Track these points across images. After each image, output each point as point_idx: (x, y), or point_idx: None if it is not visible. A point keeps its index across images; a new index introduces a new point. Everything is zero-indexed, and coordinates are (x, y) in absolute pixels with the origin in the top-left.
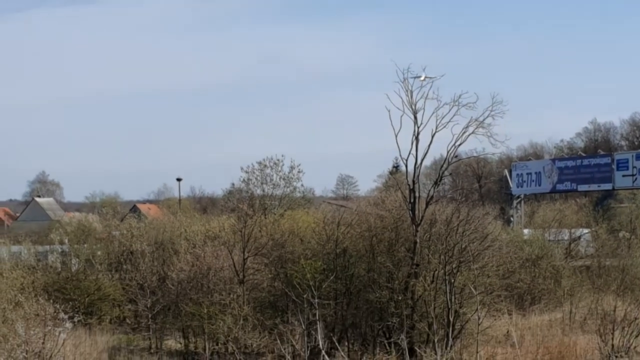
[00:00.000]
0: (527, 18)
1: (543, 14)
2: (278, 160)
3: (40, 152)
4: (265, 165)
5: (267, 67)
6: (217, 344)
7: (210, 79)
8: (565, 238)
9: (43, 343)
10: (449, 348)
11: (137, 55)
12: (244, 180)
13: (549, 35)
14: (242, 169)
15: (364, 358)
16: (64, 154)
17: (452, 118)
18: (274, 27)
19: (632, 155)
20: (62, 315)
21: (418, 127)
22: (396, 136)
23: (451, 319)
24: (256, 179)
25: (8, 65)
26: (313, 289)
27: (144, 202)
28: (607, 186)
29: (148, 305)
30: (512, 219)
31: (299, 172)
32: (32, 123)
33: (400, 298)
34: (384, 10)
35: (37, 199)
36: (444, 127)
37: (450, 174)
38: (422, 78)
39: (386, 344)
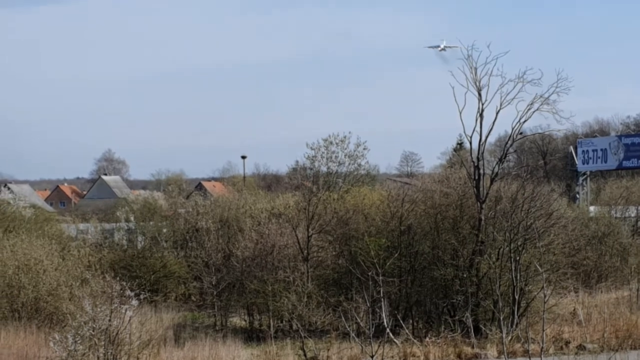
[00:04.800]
0: None
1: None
2: (344, 137)
3: (106, 130)
4: (331, 142)
5: (332, 45)
6: (281, 322)
7: (275, 56)
8: (632, 215)
9: (110, 320)
10: (514, 326)
11: (202, 33)
12: (309, 157)
13: (615, 8)
14: (307, 145)
15: (429, 335)
16: (129, 132)
17: (516, 95)
18: (340, 6)
19: None
20: (128, 292)
21: (482, 104)
22: (460, 113)
23: (517, 297)
24: (321, 156)
25: (75, 44)
26: (377, 266)
27: (209, 179)
28: None
29: (213, 283)
30: (577, 196)
31: (364, 149)
32: (99, 101)
33: (465, 275)
34: None
35: (104, 177)
36: (509, 104)
37: (515, 150)
38: (441, 47)
39: (451, 322)
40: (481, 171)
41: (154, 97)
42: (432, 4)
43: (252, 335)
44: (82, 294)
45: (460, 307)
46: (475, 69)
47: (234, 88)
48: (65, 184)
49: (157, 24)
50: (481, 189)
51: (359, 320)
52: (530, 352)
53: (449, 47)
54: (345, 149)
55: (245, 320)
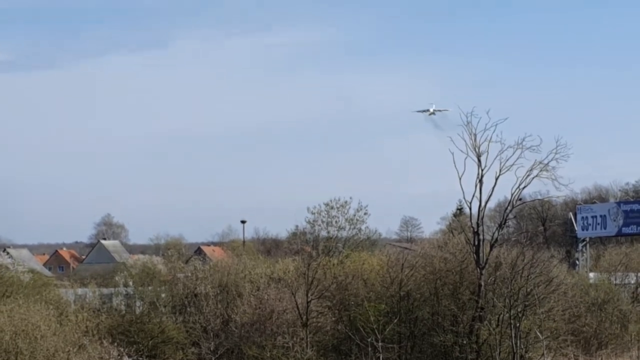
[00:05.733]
0: (588, 63)
1: (603, 60)
2: (345, 202)
3: (105, 194)
4: (332, 207)
5: (332, 109)
6: None
7: (274, 121)
8: (632, 282)
9: None
10: None
11: (202, 98)
12: (309, 221)
13: (612, 75)
14: (308, 209)
15: None
16: (129, 196)
17: (516, 161)
18: (340, 70)
19: None
20: (125, 358)
21: (482, 170)
22: (460, 179)
23: None
24: (322, 220)
25: (73, 109)
26: (377, 332)
27: (209, 244)
28: None
29: (211, 349)
30: (577, 262)
31: (365, 214)
32: (98, 165)
33: (465, 342)
34: (446, 55)
35: (103, 242)
36: (508, 170)
37: (515, 216)
38: (431, 111)
39: None
40: (481, 237)
41: (152, 161)
42: (432, 70)
43: None
44: None
45: None
46: (475, 135)
47: (234, 152)
48: (64, 249)
49: (154, 89)
50: (481, 254)
51: None
52: None
53: (438, 110)
54: (346, 213)
55: None
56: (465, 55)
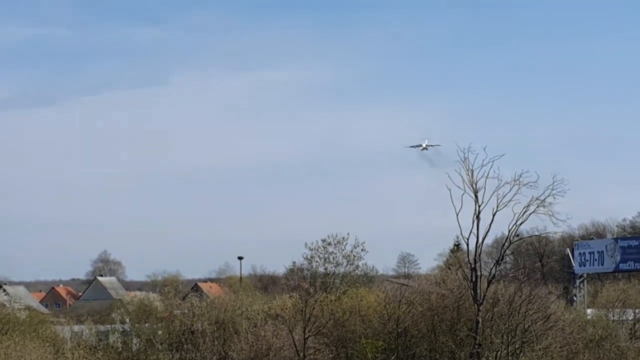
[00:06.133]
0: (584, 99)
1: (600, 95)
2: (343, 238)
3: (102, 231)
4: (329, 243)
5: (328, 147)
6: None
7: (271, 157)
8: (630, 318)
9: None
10: None
11: (199, 135)
12: (307, 257)
13: (608, 114)
14: (306, 245)
15: None
16: (126, 233)
17: (513, 197)
18: (336, 107)
19: None
20: None
21: (479, 206)
22: (457, 215)
23: None
24: (319, 256)
25: (75, 147)
26: None
27: (206, 280)
28: None
29: None
30: (575, 298)
31: (362, 250)
32: (95, 202)
33: None
34: (443, 92)
35: (100, 278)
36: (505, 206)
37: (512, 252)
38: (423, 146)
39: None
40: (478, 273)
41: (149, 197)
42: (429, 107)
43: None
44: None
45: None
46: (472, 171)
47: (230, 188)
48: (61, 285)
49: (152, 125)
50: (478, 290)
51: None
52: None
53: (431, 145)
54: (343, 249)
55: None
56: (463, 92)
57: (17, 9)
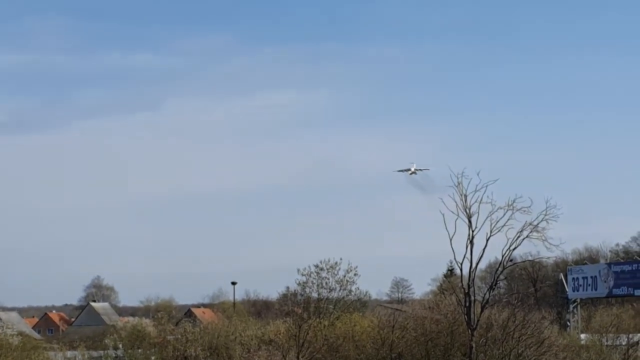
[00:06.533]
0: (577, 124)
1: (592, 121)
2: (336, 263)
3: (95, 256)
4: (322, 268)
5: (320, 171)
6: None
7: (263, 183)
8: (623, 343)
9: None
10: None
11: (191, 161)
12: (300, 283)
13: (600, 142)
14: (299, 271)
15: None
16: (119, 259)
17: (506, 222)
18: (331, 132)
19: None
20: None
21: (472, 231)
22: (451, 240)
23: None
24: (312, 282)
25: (68, 173)
26: None
27: (199, 305)
28: None
29: None
30: (568, 323)
31: (355, 274)
32: (88, 228)
33: None
34: (437, 117)
35: (93, 304)
36: (499, 231)
37: (506, 277)
38: (412, 170)
39: None
40: (472, 298)
41: (142, 223)
42: (424, 131)
43: None
44: None
45: None
46: (465, 196)
47: (223, 213)
48: (54, 311)
49: (143, 152)
50: (472, 315)
51: None
52: None
53: (419, 170)
54: (336, 274)
55: None
56: (456, 118)
57: (10, 35)
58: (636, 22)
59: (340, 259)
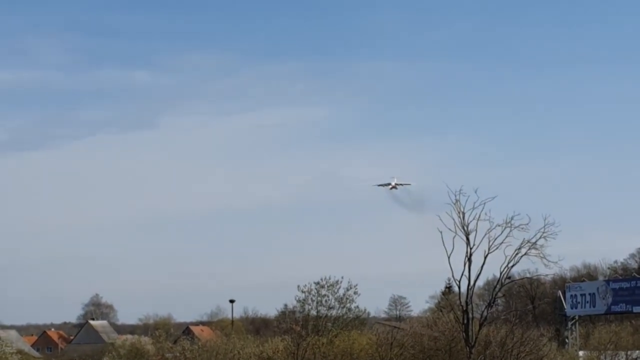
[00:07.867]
0: (575, 142)
1: (591, 139)
2: (336, 281)
3: (94, 274)
4: (322, 286)
5: (319, 188)
6: None
7: (263, 199)
8: None
9: None
10: None
11: (190, 178)
12: (299, 300)
13: (601, 156)
14: (298, 287)
15: None
16: (117, 277)
17: (504, 239)
18: (329, 149)
19: None
20: None
21: (470, 248)
22: (449, 257)
23: None
24: (312, 299)
25: (67, 190)
26: None
27: (197, 323)
28: None
29: None
30: (567, 340)
31: (354, 292)
32: (86, 246)
33: None
34: (435, 135)
35: (91, 322)
36: (497, 248)
37: (504, 295)
38: (392, 184)
39: None
40: (470, 315)
41: (141, 241)
42: (422, 148)
43: None
44: None
45: None
46: (463, 213)
47: (222, 231)
48: (53, 329)
49: (142, 169)
50: (470, 333)
51: None
52: None
53: (400, 184)
54: (336, 292)
55: None
56: (454, 135)
57: (8, 52)
58: (623, 38)
59: (342, 277)
